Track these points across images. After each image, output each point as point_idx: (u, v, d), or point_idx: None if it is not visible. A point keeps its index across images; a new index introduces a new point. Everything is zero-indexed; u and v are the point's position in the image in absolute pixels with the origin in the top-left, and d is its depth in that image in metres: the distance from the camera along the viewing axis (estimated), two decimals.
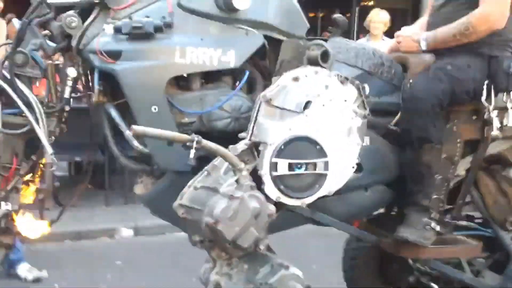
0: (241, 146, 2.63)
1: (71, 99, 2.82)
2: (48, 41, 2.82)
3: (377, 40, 6.93)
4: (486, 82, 2.99)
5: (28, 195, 2.87)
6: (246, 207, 2.47)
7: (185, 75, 2.79)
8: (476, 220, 3.42)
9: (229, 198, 2.46)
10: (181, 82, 2.82)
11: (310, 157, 2.66)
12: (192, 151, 2.46)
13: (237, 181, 2.52)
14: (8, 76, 2.70)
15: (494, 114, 3.00)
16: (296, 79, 2.66)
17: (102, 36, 2.69)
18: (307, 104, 2.66)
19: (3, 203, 2.76)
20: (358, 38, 9.42)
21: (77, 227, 6.15)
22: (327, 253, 4.73)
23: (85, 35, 2.71)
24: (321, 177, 2.70)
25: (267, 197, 2.59)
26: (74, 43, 2.73)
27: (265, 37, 2.84)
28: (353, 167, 2.78)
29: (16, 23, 2.84)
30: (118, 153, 2.83)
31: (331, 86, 2.70)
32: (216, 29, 2.75)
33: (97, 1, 2.74)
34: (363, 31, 6.15)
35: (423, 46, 3.06)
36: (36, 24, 2.80)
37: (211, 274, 2.66)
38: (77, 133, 3.43)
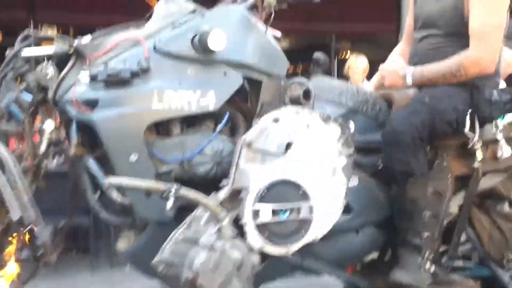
0: (223, 193, 2.57)
1: (54, 156, 2.77)
2: (25, 93, 2.77)
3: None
4: (469, 111, 2.93)
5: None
6: (228, 258, 2.42)
7: (164, 120, 2.73)
8: (474, 260, 3.29)
9: (209, 250, 2.40)
10: (160, 128, 2.76)
11: (294, 201, 2.60)
12: (170, 201, 2.41)
13: (218, 231, 2.46)
14: None
15: (478, 145, 2.93)
16: (276, 120, 2.62)
17: (78, 85, 2.66)
18: (288, 146, 2.60)
19: None
20: None
21: None
22: None
23: (61, 86, 2.68)
24: (306, 223, 2.62)
25: (251, 247, 2.52)
26: (50, 94, 2.69)
27: (246, 77, 2.79)
28: (340, 209, 2.70)
29: None
30: (99, 208, 2.75)
31: (313, 126, 2.65)
32: (194, 71, 2.71)
33: (73, 51, 2.71)
34: (344, 79, 6.18)
35: (409, 82, 3.01)
36: (12, 77, 2.77)
37: None
38: (63, 197, 3.34)
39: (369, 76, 6.16)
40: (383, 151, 2.94)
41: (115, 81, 2.61)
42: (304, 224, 2.62)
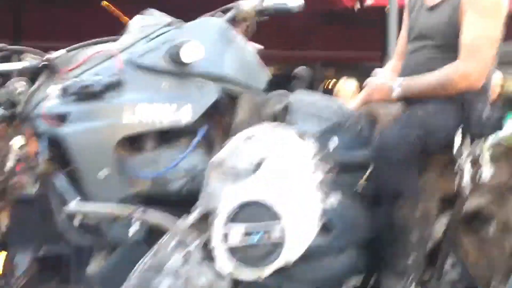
0: (193, 217, 2.50)
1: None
2: None
3: None
4: (460, 128, 2.83)
5: None
6: (193, 285, 2.35)
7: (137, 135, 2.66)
8: (459, 285, 3.13)
9: (174, 277, 2.35)
10: (134, 143, 2.68)
11: (264, 222, 2.50)
12: (135, 226, 2.37)
13: (184, 256, 2.40)
14: None
15: (467, 164, 2.83)
16: (248, 138, 2.56)
17: (48, 99, 2.60)
18: (259, 164, 2.53)
19: None
20: None
21: None
22: None
23: (31, 100, 2.62)
24: (278, 245, 2.52)
25: (220, 272, 2.45)
26: (19, 109, 2.64)
27: (224, 91, 2.72)
28: (315, 229, 2.60)
29: None
30: (67, 228, 2.64)
31: (287, 143, 2.59)
32: (168, 84, 2.65)
33: (44, 65, 2.66)
34: None
35: (396, 93, 2.92)
36: None
37: None
38: (42, 224, 3.24)
39: None
40: (373, 169, 2.84)
41: (86, 94, 2.56)
42: (276, 247, 2.52)
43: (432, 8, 2.99)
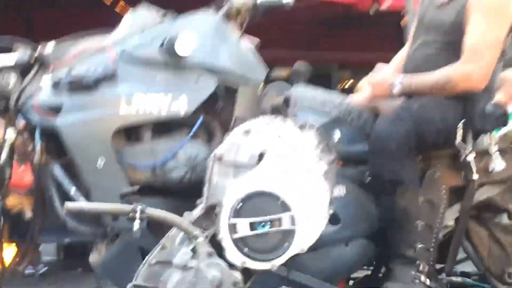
0: (197, 211, 2.49)
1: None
2: None
3: None
4: (462, 122, 2.80)
5: None
6: (203, 278, 2.34)
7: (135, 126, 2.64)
8: (473, 277, 3.13)
9: (183, 270, 2.33)
10: (131, 134, 2.65)
11: (273, 213, 2.48)
12: (137, 223, 2.33)
13: (192, 250, 2.37)
14: None
15: (471, 157, 2.79)
16: (247, 132, 2.55)
17: (40, 91, 2.59)
18: (261, 156, 2.51)
19: None
20: None
21: None
22: None
23: (23, 93, 2.61)
24: (289, 234, 2.49)
25: (231, 264, 2.42)
26: (12, 102, 2.62)
27: (222, 84, 2.67)
28: (325, 217, 2.56)
29: None
30: (68, 218, 2.61)
31: (287, 134, 2.57)
32: (164, 76, 2.62)
33: (35, 58, 2.65)
34: None
35: (397, 90, 2.88)
36: None
37: None
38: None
39: None
40: (370, 159, 2.83)
41: (79, 85, 2.55)
42: (287, 236, 2.50)
43: (441, 5, 2.96)
